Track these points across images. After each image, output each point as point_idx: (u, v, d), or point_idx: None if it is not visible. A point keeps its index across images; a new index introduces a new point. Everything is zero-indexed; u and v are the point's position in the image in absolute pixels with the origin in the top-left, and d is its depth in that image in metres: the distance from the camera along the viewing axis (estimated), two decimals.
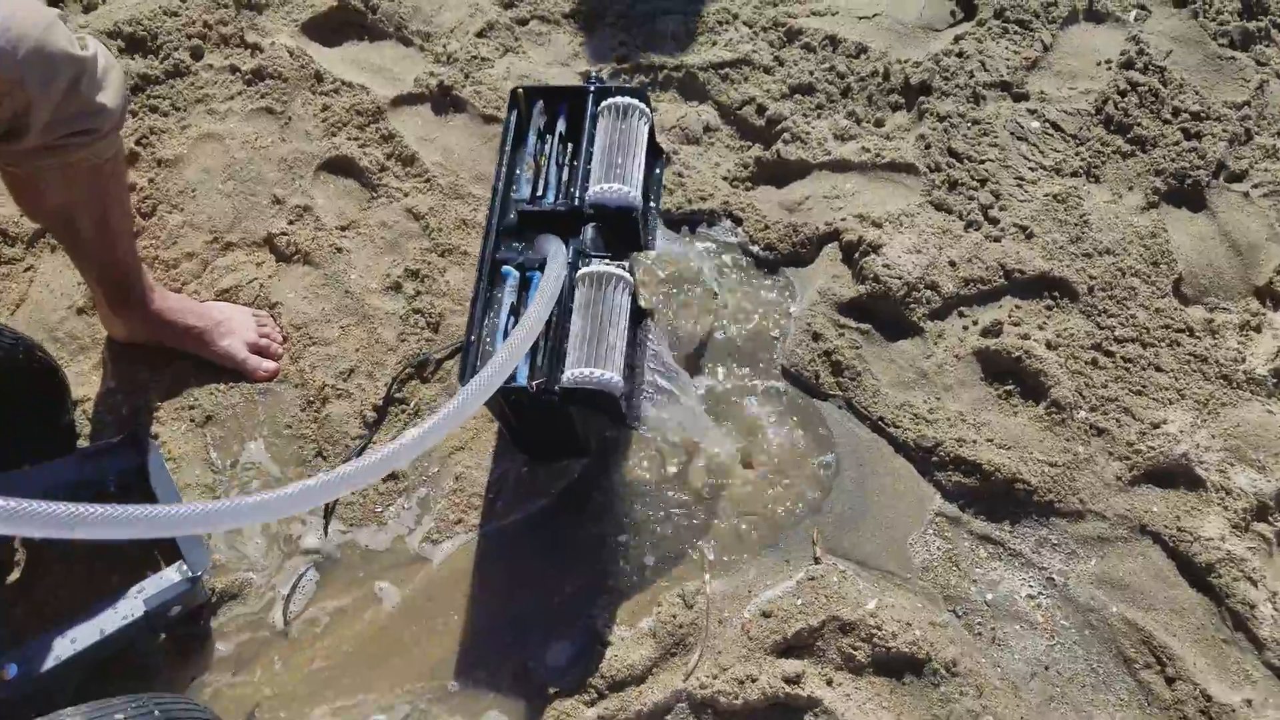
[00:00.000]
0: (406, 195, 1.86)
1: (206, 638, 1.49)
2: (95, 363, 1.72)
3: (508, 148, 1.47)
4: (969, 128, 1.86)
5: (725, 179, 1.87)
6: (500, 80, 1.98)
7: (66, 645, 1.30)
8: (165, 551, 1.50)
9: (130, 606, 1.34)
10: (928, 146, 1.85)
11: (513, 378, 1.28)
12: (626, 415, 1.35)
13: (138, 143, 1.90)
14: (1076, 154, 1.82)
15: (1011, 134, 1.86)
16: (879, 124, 1.92)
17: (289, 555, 1.55)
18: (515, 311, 1.35)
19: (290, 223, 1.83)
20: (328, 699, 1.43)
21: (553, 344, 1.31)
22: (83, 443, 1.65)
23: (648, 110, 1.46)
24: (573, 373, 1.26)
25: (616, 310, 1.32)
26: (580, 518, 1.54)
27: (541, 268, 1.34)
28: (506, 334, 1.33)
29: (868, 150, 1.87)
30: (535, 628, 1.45)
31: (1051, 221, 1.72)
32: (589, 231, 1.39)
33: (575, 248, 1.37)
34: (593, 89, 1.47)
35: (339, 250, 1.81)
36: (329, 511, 1.57)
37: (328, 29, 2.07)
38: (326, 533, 1.56)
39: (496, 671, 1.43)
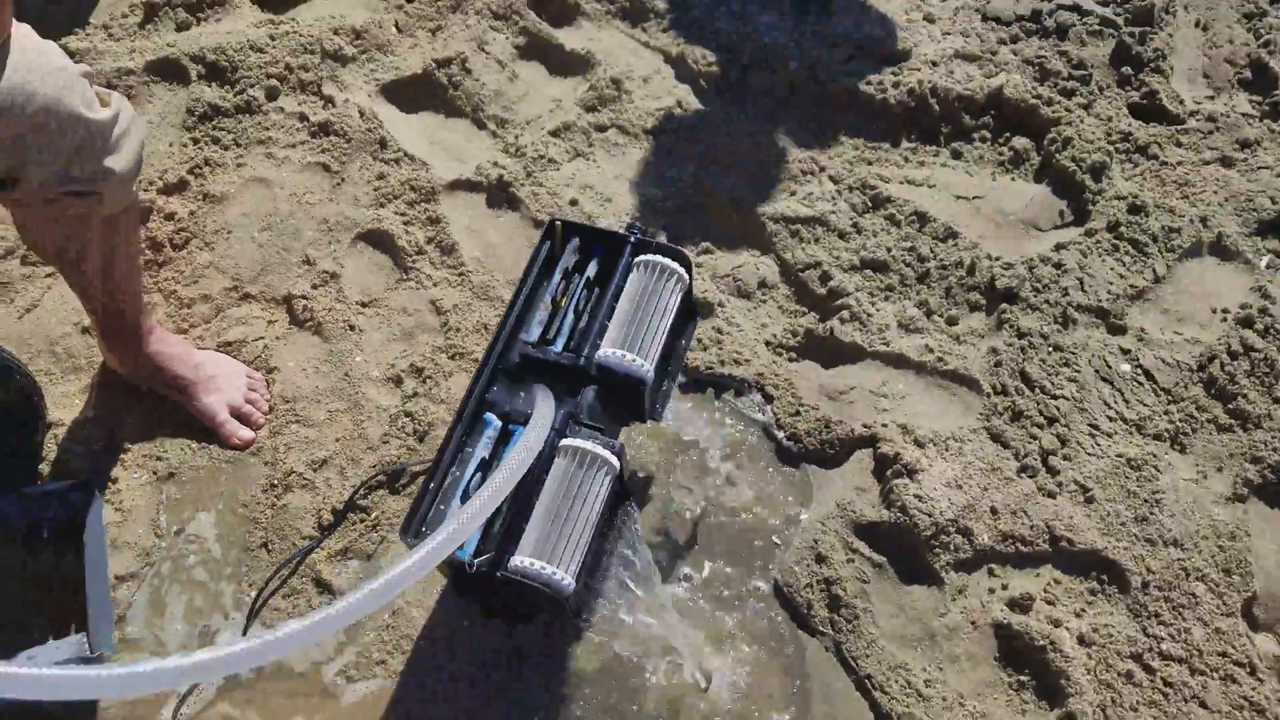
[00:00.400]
0: (435, 285, 1.80)
1: (92, 715, 1.41)
2: (82, 386, 1.69)
3: (530, 280, 1.39)
4: (1049, 353, 1.70)
5: (768, 344, 1.75)
6: (562, 186, 1.92)
7: None
8: (80, 613, 1.42)
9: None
10: (998, 363, 1.69)
11: (459, 552, 1.18)
12: (573, 613, 1.23)
13: (190, 171, 1.90)
14: (1165, 413, 1.64)
15: (1096, 371, 1.69)
16: (951, 322, 1.78)
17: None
18: (485, 468, 1.25)
19: (314, 286, 1.79)
20: None
21: (510, 516, 1.20)
22: (45, 466, 1.61)
23: (685, 277, 1.36)
24: (521, 561, 1.15)
25: (591, 496, 1.21)
26: (509, 693, 1.41)
27: (526, 423, 1.25)
28: (466, 494, 1.23)
29: (931, 350, 1.73)
30: None
31: (1118, 489, 1.54)
32: (588, 395, 1.29)
33: (568, 411, 1.27)
34: (632, 239, 1.38)
35: (351, 328, 1.75)
36: (253, 610, 1.48)
37: (406, 95, 2.05)
38: (245, 633, 1.47)
39: None
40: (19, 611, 1.46)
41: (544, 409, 1.24)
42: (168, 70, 2.00)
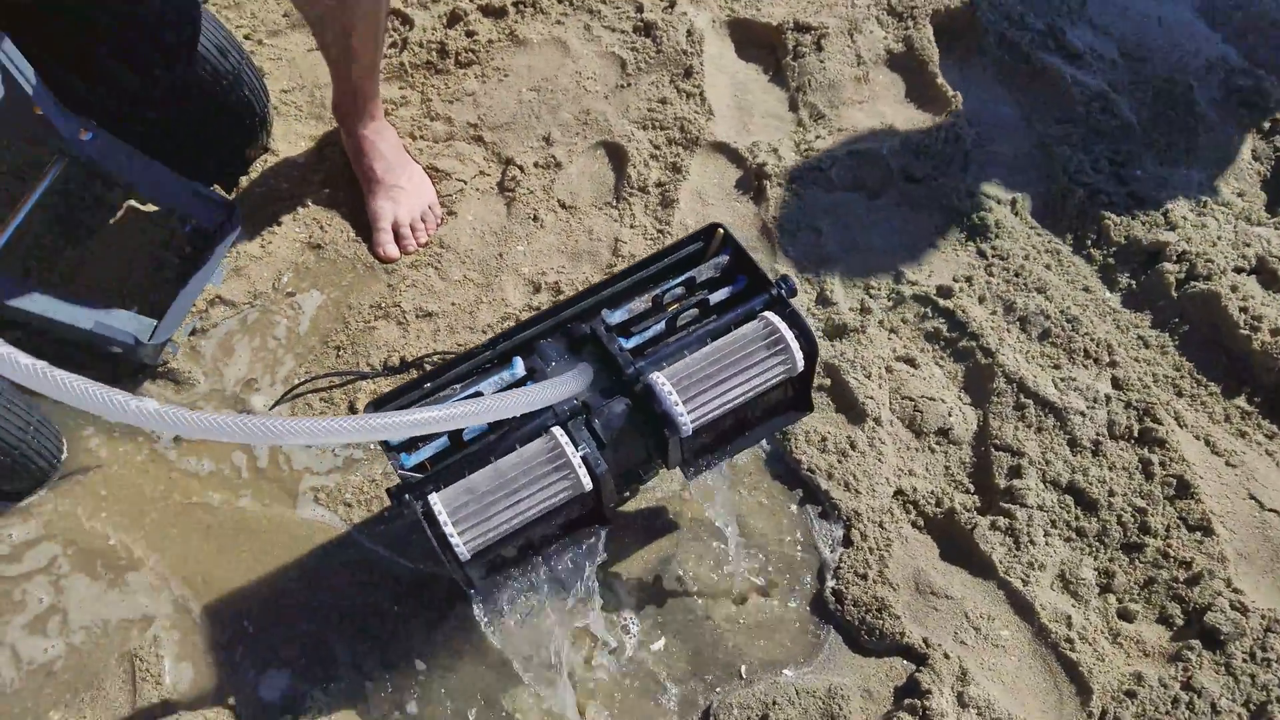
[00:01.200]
0: (631, 227, 1.75)
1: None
2: (313, 137, 1.89)
3: (655, 266, 1.31)
4: None
5: (899, 493, 1.52)
6: (819, 212, 1.77)
7: (26, 300, 1.48)
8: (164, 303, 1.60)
9: (82, 318, 1.49)
10: (1134, 694, 1.34)
11: (403, 454, 1.18)
12: (463, 582, 1.19)
13: (515, 3, 2.00)
14: None
15: None
16: (1123, 615, 1.42)
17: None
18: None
19: (535, 164, 1.84)
20: None
21: (462, 460, 1.17)
22: (243, 179, 1.84)
23: (798, 364, 1.20)
24: (434, 503, 1.12)
25: (545, 494, 1.14)
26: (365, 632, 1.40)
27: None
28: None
29: (1072, 627, 1.40)
30: None
31: None
32: (617, 406, 1.20)
33: (590, 405, 1.20)
34: (773, 292, 1.24)
35: (536, 219, 1.78)
36: (288, 394, 1.60)
37: (747, 40, 2.00)
38: (272, 408, 1.59)
39: None
40: (137, 274, 1.70)
41: (572, 382, 1.18)
42: None
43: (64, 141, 1.44)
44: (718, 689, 1.37)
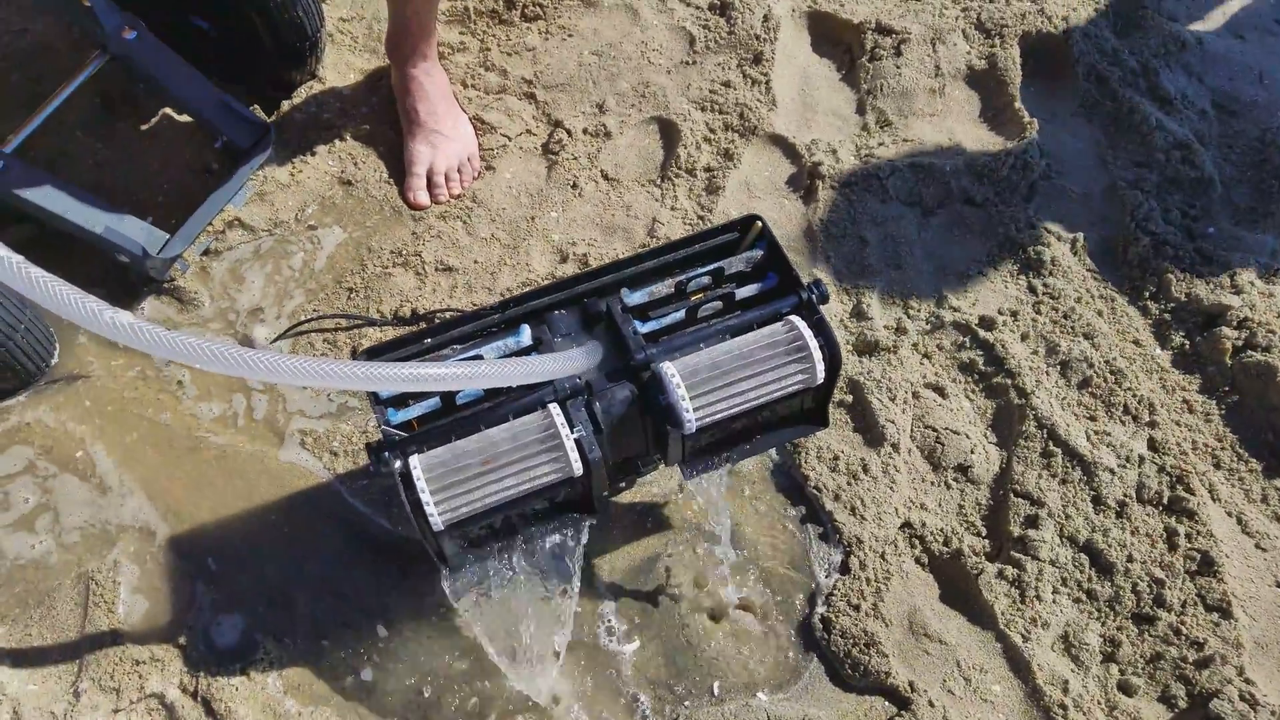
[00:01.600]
0: (672, 209, 1.71)
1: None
2: (362, 71, 1.85)
3: (684, 251, 1.25)
4: None
5: (907, 525, 1.46)
6: (868, 224, 1.70)
7: (42, 193, 1.45)
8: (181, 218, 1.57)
9: (94, 220, 1.46)
10: None
11: (390, 409, 1.14)
12: (435, 554, 1.15)
13: None
14: None
15: None
16: (1123, 689, 1.36)
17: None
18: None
19: (583, 130, 1.79)
20: None
21: (450, 424, 1.12)
22: (285, 103, 1.80)
23: (818, 376, 1.14)
24: (414, 467, 1.08)
25: (529, 474, 1.09)
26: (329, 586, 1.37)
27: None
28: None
29: (1069, 693, 1.34)
30: None
31: None
32: (620, 392, 1.15)
33: (593, 385, 1.15)
34: (803, 295, 1.18)
35: (574, 187, 1.73)
36: (292, 329, 1.56)
37: (824, 33, 1.94)
38: (273, 340, 1.56)
39: None
40: (159, 186, 1.67)
41: (578, 359, 1.13)
42: None
43: (106, 36, 1.42)
44: (687, 702, 1.32)
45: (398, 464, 1.08)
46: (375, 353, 1.17)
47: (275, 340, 1.54)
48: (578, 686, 1.32)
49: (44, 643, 1.29)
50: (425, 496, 1.06)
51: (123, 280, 1.57)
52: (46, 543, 1.36)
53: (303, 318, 1.57)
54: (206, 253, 1.61)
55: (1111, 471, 1.50)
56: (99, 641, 1.29)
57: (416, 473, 1.07)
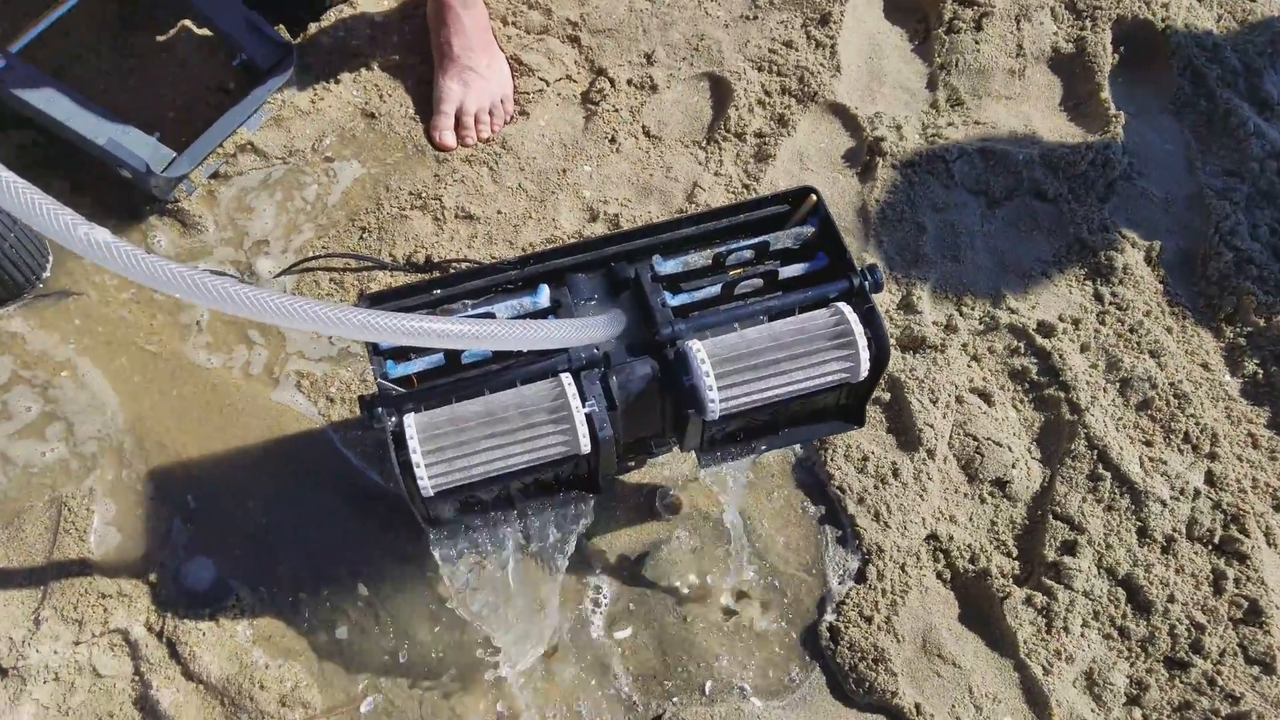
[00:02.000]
0: (715, 174, 1.63)
1: None
2: (402, 2, 1.78)
3: (729, 219, 1.18)
4: None
5: (932, 537, 1.39)
6: (926, 209, 1.62)
7: (45, 97, 1.40)
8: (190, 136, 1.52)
9: (97, 131, 1.41)
10: None
11: (389, 361, 1.08)
12: (423, 519, 1.09)
13: None
14: None
15: None
16: None
17: None
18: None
19: (628, 81, 1.71)
20: None
21: (452, 384, 1.07)
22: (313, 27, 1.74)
23: (861, 371, 1.06)
24: (407, 427, 1.02)
25: (534, 446, 1.03)
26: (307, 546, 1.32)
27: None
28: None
29: None
30: None
31: None
32: (640, 368, 1.09)
33: (614, 359, 1.08)
34: (855, 281, 1.10)
35: (613, 141, 1.66)
36: (297, 265, 1.51)
37: (906, 7, 1.83)
38: (275, 276, 1.51)
39: None
40: (171, 102, 1.62)
41: (599, 328, 1.07)
42: None
43: None
44: (675, 698, 1.27)
45: (391, 421, 1.02)
46: (379, 299, 1.12)
47: (279, 275, 1.49)
48: (561, 669, 1.27)
49: (7, 565, 1.26)
50: (417, 458, 1.00)
51: (125, 198, 1.52)
52: (19, 462, 1.33)
53: (310, 254, 1.51)
54: (215, 176, 1.56)
55: (1162, 503, 1.42)
56: (66, 570, 1.26)
57: (410, 432, 1.01)
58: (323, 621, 1.27)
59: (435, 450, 1.01)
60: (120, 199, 1.53)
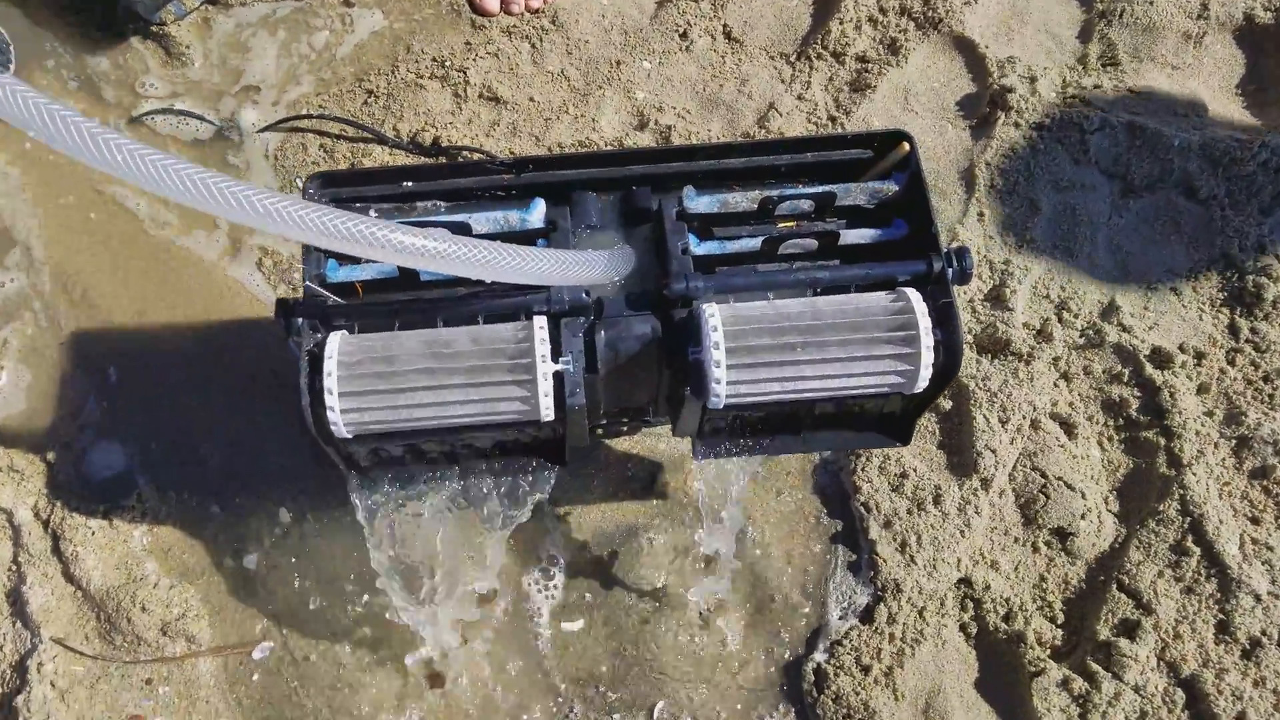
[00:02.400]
0: (805, 92, 1.38)
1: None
2: None
3: (799, 154, 0.95)
4: None
5: (965, 582, 1.18)
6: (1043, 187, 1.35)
7: None
8: None
9: None
10: None
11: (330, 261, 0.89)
12: (344, 461, 0.91)
13: None
14: None
15: None
16: None
17: None
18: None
19: None
20: None
21: (398, 307, 0.87)
22: None
23: (920, 379, 0.83)
24: (333, 349, 0.82)
25: (485, 398, 0.83)
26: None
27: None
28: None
29: None
30: None
31: None
32: (641, 326, 0.88)
33: (607, 309, 0.87)
34: (936, 264, 0.87)
35: (685, 37, 1.43)
36: (282, 121, 1.31)
37: None
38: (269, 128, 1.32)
39: None
40: None
41: (598, 265, 0.86)
42: None
43: None
44: (617, 715, 1.10)
45: (311, 338, 0.83)
46: (332, 180, 0.91)
47: (262, 130, 1.31)
48: (488, 651, 1.11)
49: None
50: (330, 383, 0.81)
51: (109, 14, 1.33)
52: None
53: (304, 111, 1.31)
54: (212, 1, 1.36)
55: (1256, 597, 1.20)
56: None
57: (330, 353, 0.82)
58: (231, 544, 1.12)
59: (357, 382, 0.83)
60: (107, 15, 1.35)
